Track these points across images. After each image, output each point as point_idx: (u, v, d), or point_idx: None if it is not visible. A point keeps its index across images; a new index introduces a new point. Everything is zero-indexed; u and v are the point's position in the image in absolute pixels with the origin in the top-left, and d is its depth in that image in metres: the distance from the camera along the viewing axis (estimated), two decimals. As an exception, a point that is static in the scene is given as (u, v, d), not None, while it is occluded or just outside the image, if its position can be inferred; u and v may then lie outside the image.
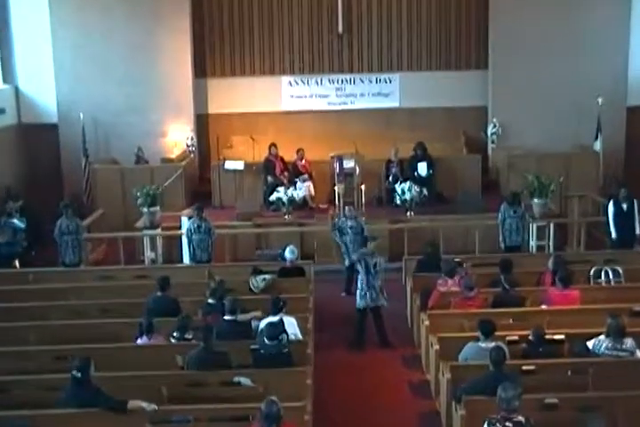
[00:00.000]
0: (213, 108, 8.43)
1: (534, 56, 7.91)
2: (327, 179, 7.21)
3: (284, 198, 6.62)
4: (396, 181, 7.01)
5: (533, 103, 7.92)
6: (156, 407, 3.24)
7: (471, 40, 8.34)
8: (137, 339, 3.97)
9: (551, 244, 6.18)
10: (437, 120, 8.21)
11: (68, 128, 7.92)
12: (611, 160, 7.57)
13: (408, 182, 6.72)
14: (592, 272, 4.87)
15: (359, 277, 4.74)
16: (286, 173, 7.33)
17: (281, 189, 6.78)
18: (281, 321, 3.83)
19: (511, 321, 4.12)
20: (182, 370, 3.67)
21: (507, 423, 2.78)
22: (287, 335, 3.72)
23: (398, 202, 6.68)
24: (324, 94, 8.43)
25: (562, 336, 3.80)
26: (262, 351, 3.61)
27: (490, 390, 3.02)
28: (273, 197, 6.75)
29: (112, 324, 4.30)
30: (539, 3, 7.92)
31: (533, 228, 6.17)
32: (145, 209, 6.27)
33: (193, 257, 5.67)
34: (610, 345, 3.56)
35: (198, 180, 8.15)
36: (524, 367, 3.51)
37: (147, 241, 6.22)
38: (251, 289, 4.86)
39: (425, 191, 6.64)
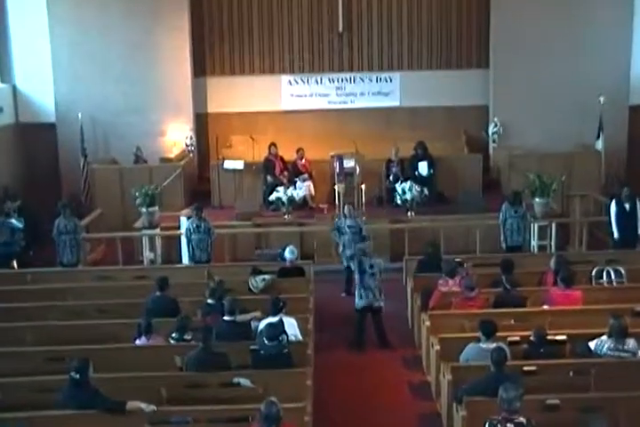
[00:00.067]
0: (213, 107, 8.40)
1: (536, 55, 7.89)
2: (327, 178, 7.19)
3: (284, 198, 6.60)
4: (396, 181, 6.99)
5: (535, 102, 7.89)
6: (155, 408, 3.22)
7: (472, 39, 8.32)
8: (135, 340, 3.95)
9: (553, 244, 6.16)
10: (438, 119, 8.19)
11: (67, 127, 7.89)
12: (613, 159, 7.55)
13: (408, 182, 6.70)
14: (594, 272, 4.84)
15: (355, 276, 4.72)
16: (286, 173, 7.31)
17: (281, 188, 6.76)
18: (281, 322, 3.81)
19: (512, 322, 4.11)
20: (181, 371, 3.65)
21: (508, 424, 2.77)
22: (287, 336, 3.70)
23: (399, 202, 6.66)
24: (324, 93, 8.40)
25: (564, 337, 3.79)
26: (262, 352, 3.59)
27: (491, 391, 3.00)
28: (272, 197, 6.73)
29: (110, 324, 4.28)
30: (540, 1, 7.90)
31: (535, 228, 6.15)
32: (144, 209, 6.24)
33: (192, 257, 5.66)
34: (612, 346, 3.55)
35: (197, 179, 8.13)
36: (526, 368, 3.49)
37: (145, 241, 6.20)
38: (250, 289, 4.84)
39: (425, 191, 6.62)
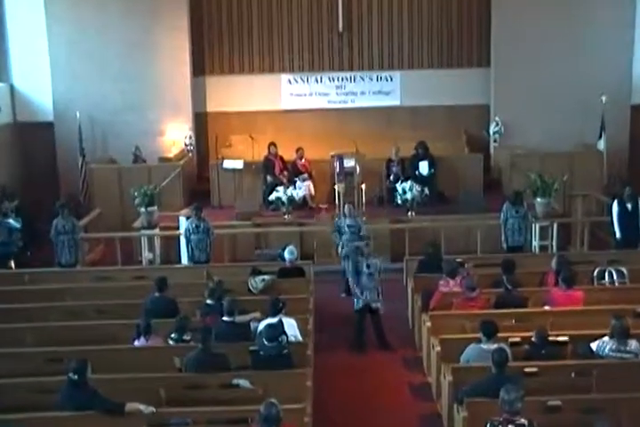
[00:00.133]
0: (212, 106, 8.37)
1: (537, 53, 7.85)
2: (327, 178, 7.16)
3: (284, 198, 6.57)
4: (396, 181, 6.96)
5: (536, 101, 7.86)
6: (154, 410, 3.20)
7: (473, 37, 8.28)
8: (134, 340, 3.93)
9: (554, 244, 6.14)
10: (439, 119, 8.16)
11: (64, 127, 7.85)
12: (615, 159, 7.51)
13: (409, 182, 6.67)
14: (596, 273, 4.82)
15: (349, 276, 4.69)
16: (286, 173, 7.28)
17: (280, 188, 6.73)
18: (280, 322, 3.79)
19: (514, 322, 4.08)
20: (180, 372, 3.63)
21: (509, 426, 2.76)
22: (287, 337, 3.67)
23: (399, 201, 6.63)
24: (324, 92, 8.37)
25: (565, 338, 3.76)
26: (261, 353, 3.57)
27: (492, 392, 2.98)
28: (272, 197, 6.70)
29: (109, 325, 4.25)
30: (542, 0, 7.85)
31: (536, 228, 6.13)
32: (142, 209, 6.21)
33: (191, 257, 5.63)
34: (614, 347, 3.53)
35: (197, 179, 8.10)
36: (527, 369, 3.47)
37: (144, 241, 6.17)
38: (250, 290, 4.81)
39: (426, 191, 6.60)
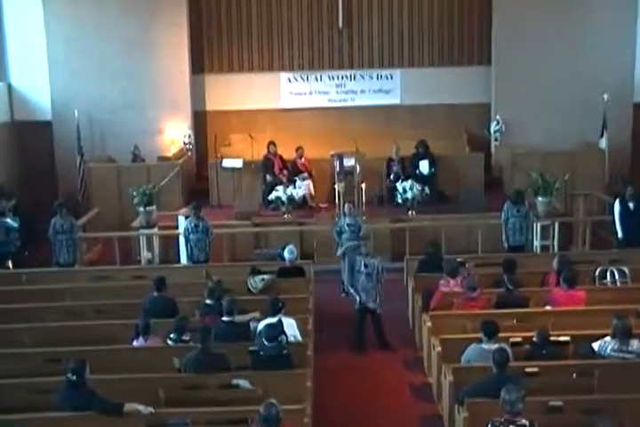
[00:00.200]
0: (211, 105, 8.33)
1: (538, 52, 7.81)
2: (327, 177, 7.13)
3: (284, 197, 6.55)
4: (397, 180, 6.93)
5: (537, 100, 7.82)
6: (153, 410, 3.18)
7: (474, 35, 8.23)
8: (133, 340, 3.90)
9: (556, 243, 6.11)
10: (439, 117, 8.12)
11: (63, 125, 7.81)
12: (616, 158, 7.46)
13: (409, 181, 6.64)
14: (597, 272, 4.79)
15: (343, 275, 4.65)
16: (285, 172, 7.25)
17: (280, 187, 6.71)
18: (280, 322, 3.76)
19: (515, 322, 4.07)
20: (179, 372, 3.61)
21: (510, 426, 2.72)
22: (286, 337, 3.65)
23: (399, 201, 6.60)
24: (323, 91, 8.33)
25: (567, 338, 3.75)
26: (261, 353, 3.55)
27: (493, 392, 2.96)
28: (272, 196, 6.68)
29: (108, 325, 4.23)
30: (543, -2, 7.84)
31: (537, 227, 6.10)
32: (141, 208, 6.18)
33: (190, 257, 5.61)
34: (616, 347, 3.51)
35: (196, 178, 8.06)
36: (528, 369, 3.45)
37: (143, 241, 6.14)
38: (249, 290, 4.79)
39: (427, 190, 6.57)
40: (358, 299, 4.61)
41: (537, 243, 6.14)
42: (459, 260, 4.87)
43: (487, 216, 6.20)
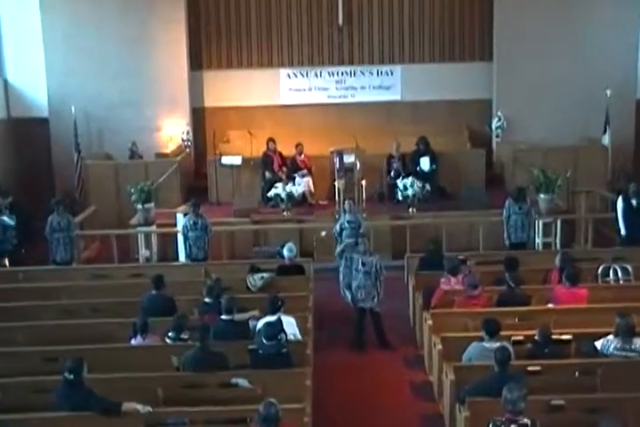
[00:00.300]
0: (210, 101, 8.28)
1: (540, 47, 7.75)
2: (327, 174, 7.08)
3: (283, 194, 6.50)
4: (397, 177, 6.88)
5: (539, 96, 7.76)
6: (151, 410, 3.15)
7: (475, 31, 8.17)
8: (131, 339, 3.88)
9: (558, 241, 6.06)
10: (440, 113, 8.07)
11: (60, 122, 7.76)
12: (619, 154, 7.43)
13: (410, 178, 6.59)
14: (600, 270, 4.76)
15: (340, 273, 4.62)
16: (285, 169, 7.20)
17: (279, 184, 6.66)
18: (279, 320, 3.73)
19: (516, 320, 4.04)
20: (178, 371, 3.58)
21: (512, 426, 2.72)
22: (286, 335, 3.62)
23: (400, 198, 6.56)
24: (323, 87, 8.27)
25: (569, 336, 3.72)
26: (260, 352, 3.52)
27: (494, 391, 2.94)
28: (271, 193, 6.63)
29: (105, 324, 4.20)
30: (546, -7, 7.77)
31: (539, 224, 6.05)
32: (139, 206, 6.14)
33: (189, 255, 5.56)
34: (619, 345, 3.48)
35: (194, 175, 8.01)
36: (530, 368, 3.42)
37: (141, 238, 6.10)
38: (248, 288, 4.75)
39: (427, 187, 6.52)
40: (350, 297, 4.55)
41: (539, 240, 6.10)
42: (460, 257, 4.84)
43: (488, 213, 6.16)
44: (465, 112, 8.08)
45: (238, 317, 3.97)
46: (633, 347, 3.47)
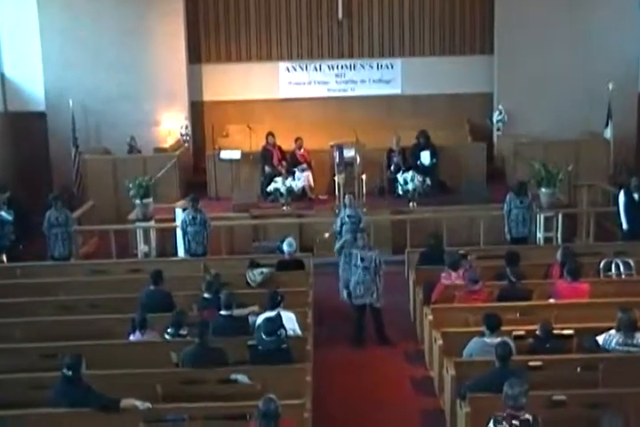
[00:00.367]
0: (208, 95, 8.19)
1: (541, 40, 7.66)
2: (327, 169, 7.03)
3: (282, 189, 6.46)
4: (397, 171, 6.84)
5: (541, 89, 7.68)
6: (150, 406, 3.14)
7: (476, 24, 8.07)
8: (130, 335, 3.85)
9: (559, 235, 6.04)
10: (441, 107, 8.00)
11: (57, 116, 7.68)
12: (621, 147, 7.36)
13: (410, 172, 6.55)
14: (602, 265, 4.73)
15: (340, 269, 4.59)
16: (284, 163, 7.15)
17: (279, 179, 6.62)
18: (279, 316, 3.71)
19: (518, 315, 4.02)
20: (177, 367, 3.57)
21: (513, 421, 2.70)
22: (285, 331, 3.60)
23: (400, 192, 6.52)
24: (323, 81, 8.19)
25: (570, 331, 3.71)
26: (260, 348, 3.50)
27: (495, 386, 2.92)
28: (270, 188, 6.60)
29: (103, 320, 4.17)
30: (547, -15, 7.67)
31: (541, 218, 6.02)
32: (138, 201, 6.10)
33: (188, 250, 5.54)
34: (620, 340, 3.47)
35: (193, 170, 7.95)
36: (531, 363, 3.41)
37: (140, 234, 6.06)
38: (248, 283, 4.73)
39: (428, 181, 6.48)
40: (345, 293, 4.53)
41: (540, 235, 6.07)
42: (460, 252, 4.80)
43: (489, 207, 6.13)
44: (465, 106, 8.00)
45: (237, 312, 3.94)
46: (635, 342, 3.45)
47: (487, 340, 3.48)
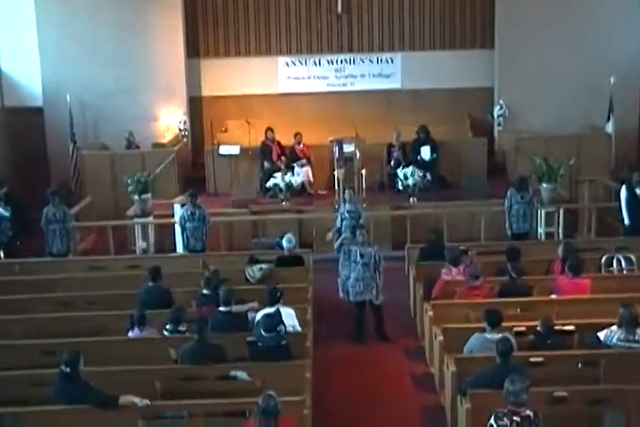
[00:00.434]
0: (207, 90, 8.14)
1: (543, 34, 7.59)
2: (326, 164, 6.99)
3: (282, 184, 6.42)
4: (397, 166, 6.80)
5: (542, 83, 7.63)
6: (149, 403, 3.13)
7: (476, 18, 8.00)
8: (128, 331, 3.84)
9: (560, 231, 6.00)
10: (441, 102, 7.95)
11: (55, 111, 7.62)
12: (623, 142, 7.32)
13: (410, 167, 6.51)
14: (603, 260, 4.69)
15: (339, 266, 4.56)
16: (283, 158, 7.10)
17: (278, 174, 6.58)
18: (278, 312, 3.68)
19: (519, 311, 4.00)
20: (176, 364, 3.56)
21: (514, 418, 2.68)
22: (285, 327, 3.58)
23: (400, 187, 6.48)
24: (322, 75, 8.13)
25: (571, 327, 3.69)
26: (259, 344, 3.48)
27: (496, 383, 2.91)
28: (270, 183, 6.55)
29: (102, 316, 4.16)
30: (549, -22, 7.58)
31: (542, 214, 5.98)
32: (136, 196, 6.07)
33: (186, 246, 5.51)
34: (622, 336, 3.45)
35: (192, 165, 7.92)
36: (532, 359, 3.39)
37: (138, 230, 6.03)
38: (247, 279, 4.71)
39: (428, 176, 6.44)
40: (342, 293, 4.51)
41: (541, 230, 6.04)
42: (461, 248, 4.78)
43: (490, 203, 6.10)
44: (466, 100, 7.94)
45: (237, 308, 3.93)
46: (637, 338, 3.43)
47: (488, 336, 3.47)
